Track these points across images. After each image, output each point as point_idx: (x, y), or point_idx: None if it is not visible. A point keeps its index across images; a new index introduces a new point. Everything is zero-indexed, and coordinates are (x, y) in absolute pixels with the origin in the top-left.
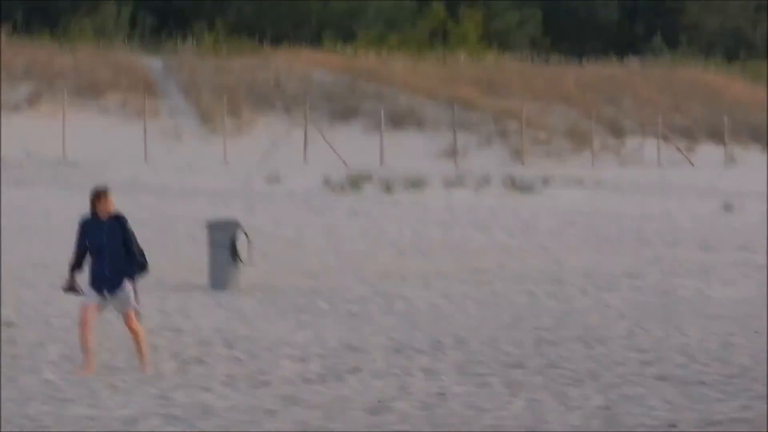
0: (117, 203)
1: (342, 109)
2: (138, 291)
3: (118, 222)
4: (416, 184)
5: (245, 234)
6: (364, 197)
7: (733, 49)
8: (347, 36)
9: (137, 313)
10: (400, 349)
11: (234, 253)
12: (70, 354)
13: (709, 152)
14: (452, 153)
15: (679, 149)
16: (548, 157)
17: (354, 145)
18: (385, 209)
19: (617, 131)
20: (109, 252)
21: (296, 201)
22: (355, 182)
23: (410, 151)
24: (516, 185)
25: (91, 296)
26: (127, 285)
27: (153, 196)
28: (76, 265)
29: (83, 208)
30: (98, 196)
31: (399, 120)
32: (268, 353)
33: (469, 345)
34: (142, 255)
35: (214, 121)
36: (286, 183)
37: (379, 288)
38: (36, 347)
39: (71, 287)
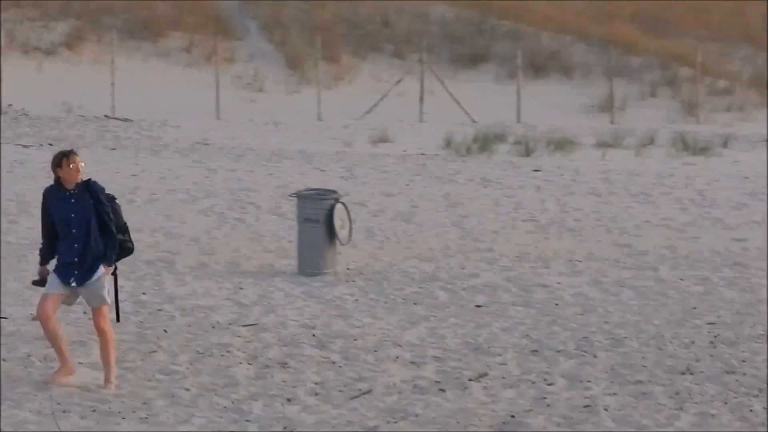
0: (180, 168)
1: (468, 52)
2: (115, 285)
3: (89, 191)
4: (562, 145)
5: (344, 207)
6: (495, 161)
7: None
8: None
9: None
10: (537, 350)
11: (330, 230)
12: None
13: None
14: (608, 107)
15: None
16: (728, 111)
17: (483, 97)
18: (522, 176)
19: None
20: (78, 230)
21: (409, 166)
22: (485, 143)
23: (554, 104)
24: (688, 146)
25: (53, 285)
26: (102, 273)
27: (226, 161)
28: (46, 251)
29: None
30: (61, 159)
31: (540, 66)
32: (371, 355)
33: (625, 345)
34: (125, 233)
35: (304, 68)
36: (396, 144)
37: (513, 273)
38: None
39: (42, 279)
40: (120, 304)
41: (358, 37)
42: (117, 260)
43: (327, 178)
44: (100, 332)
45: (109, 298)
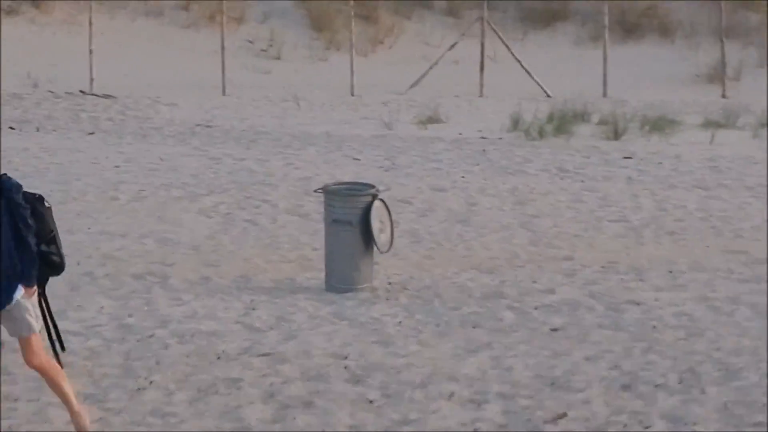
0: (176, 157)
1: (540, 10)
2: (41, 306)
3: None
4: (659, 125)
5: (384, 205)
6: (575, 146)
7: None
8: None
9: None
10: (630, 385)
11: (366, 234)
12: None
13: None
14: (717, 77)
15: None
16: None
17: (560, 65)
18: (609, 165)
19: None
20: None
21: (466, 153)
22: (562, 123)
23: (650, 74)
24: None
25: None
26: (22, 295)
27: (234, 147)
28: None
29: (119, 169)
30: None
31: (632, 26)
32: (418, 392)
33: (740, 378)
34: (50, 243)
35: (333, 30)
36: (449, 126)
37: (598, 288)
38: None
39: None
40: (94, 330)
41: None
42: (42, 278)
43: (362, 168)
44: (39, 370)
45: (38, 324)
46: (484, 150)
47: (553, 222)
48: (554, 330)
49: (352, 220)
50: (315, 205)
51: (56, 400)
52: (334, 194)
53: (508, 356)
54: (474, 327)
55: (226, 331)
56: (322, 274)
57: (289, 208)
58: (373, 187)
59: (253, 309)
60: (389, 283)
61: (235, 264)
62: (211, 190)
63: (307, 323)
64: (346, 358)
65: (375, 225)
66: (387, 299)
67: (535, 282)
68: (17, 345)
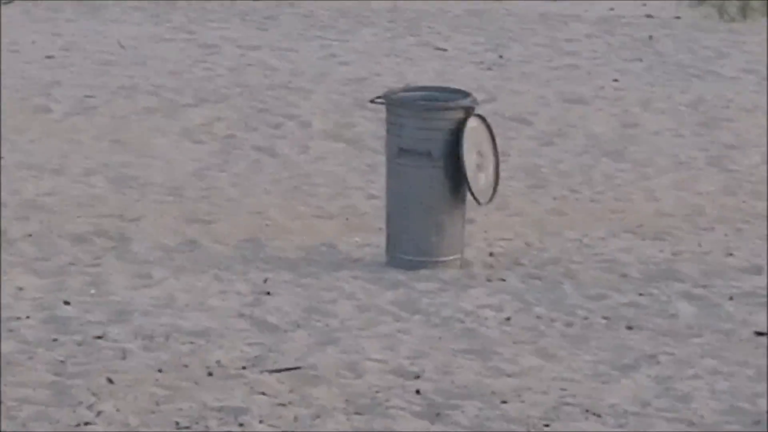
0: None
1: None
2: None
3: None
4: None
5: (485, 126)
6: None
7: None
8: None
9: None
10: None
11: (455, 174)
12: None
13: None
14: None
15: None
16: None
17: None
18: None
19: None
20: None
21: (618, 40)
22: None
23: None
24: None
25: None
26: None
27: (239, 25)
28: None
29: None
30: None
31: None
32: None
33: None
34: None
35: None
36: None
37: None
38: None
39: None
40: (6, 326)
41: None
42: None
43: (449, 65)
44: None
45: None
46: (650, 36)
47: (761, 157)
48: (760, 334)
49: (432, 149)
50: (371, 125)
51: None
52: (402, 106)
53: (685, 377)
54: (629, 327)
55: (222, 329)
56: (382, 239)
57: (328, 130)
58: (467, 95)
59: (268, 293)
60: (491, 255)
61: (240, 220)
62: (201, 99)
63: (355, 318)
64: (418, 377)
65: (470, 159)
66: (488, 280)
67: (730, 254)
68: None
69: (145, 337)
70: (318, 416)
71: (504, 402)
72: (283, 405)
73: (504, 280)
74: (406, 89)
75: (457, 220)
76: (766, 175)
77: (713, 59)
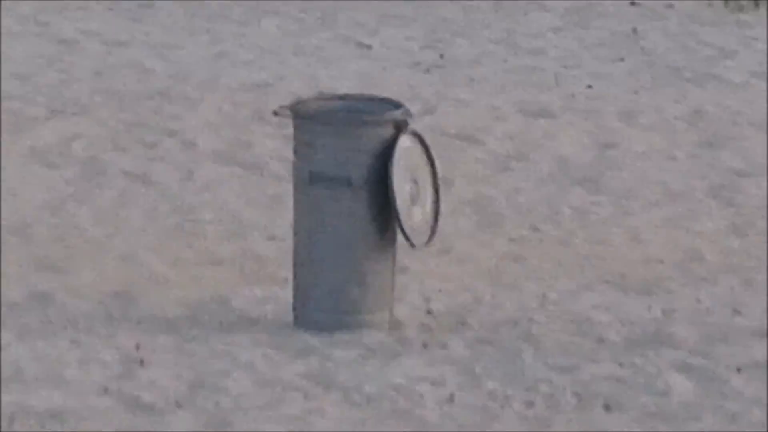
0: None
1: None
2: None
3: None
4: None
5: (422, 146)
6: None
7: None
8: None
9: None
10: None
11: (382, 207)
12: None
13: None
14: None
15: None
16: None
17: None
18: None
19: None
20: None
21: (593, 34)
22: None
23: None
24: None
25: None
26: None
27: (106, 15)
28: None
29: None
30: None
31: None
32: None
33: None
34: None
35: None
36: None
37: None
38: None
39: None
40: None
41: None
42: None
43: (376, 64)
44: None
45: None
46: (634, 30)
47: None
48: None
49: (352, 176)
50: (274, 144)
51: None
52: (315, 120)
53: None
54: (607, 408)
55: (82, 409)
56: (288, 292)
57: (219, 150)
58: (398, 105)
59: (141, 363)
60: (429, 313)
61: (105, 267)
62: (53, 110)
63: (254, 396)
64: None
65: (402, 189)
66: (425, 346)
67: (738, 313)
68: None
69: None
70: None
71: None
72: None
73: (446, 346)
74: (320, 98)
75: (384, 268)
76: None
77: (715, 60)
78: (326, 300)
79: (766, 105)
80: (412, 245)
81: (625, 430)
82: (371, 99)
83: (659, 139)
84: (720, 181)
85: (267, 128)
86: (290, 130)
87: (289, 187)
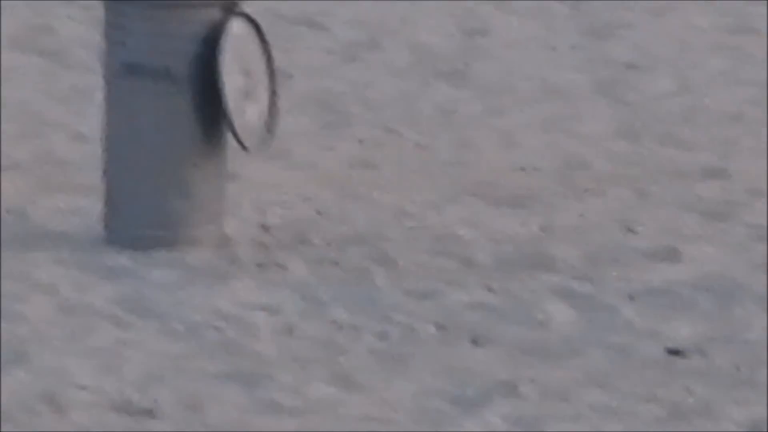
0: None
1: None
2: None
3: None
4: None
5: (255, 31)
6: None
7: None
8: None
9: None
10: None
11: (208, 104)
12: None
13: None
14: None
15: None
16: None
17: None
18: None
19: None
20: None
21: None
22: None
23: None
24: None
25: None
26: None
27: None
28: None
29: None
30: None
31: None
32: None
33: None
34: None
35: None
36: None
37: None
38: None
39: None
40: None
41: None
42: None
43: None
44: None
45: None
46: None
47: (672, 81)
48: (673, 353)
49: (172, 67)
50: (80, 29)
51: None
52: (127, 0)
53: (557, 417)
54: (474, 342)
55: None
56: (97, 203)
57: (15, 36)
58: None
59: None
60: (264, 229)
61: None
62: None
63: (56, 324)
64: (152, 416)
65: (232, 82)
66: (259, 267)
67: (630, 230)
68: None
69: None
70: None
71: None
72: None
73: (284, 267)
74: None
75: (211, 176)
76: (680, 110)
77: None
78: (142, 212)
79: None
80: (245, 148)
81: (496, 367)
82: None
83: (536, 26)
84: (607, 75)
85: (71, 9)
86: (99, 12)
87: (98, 80)
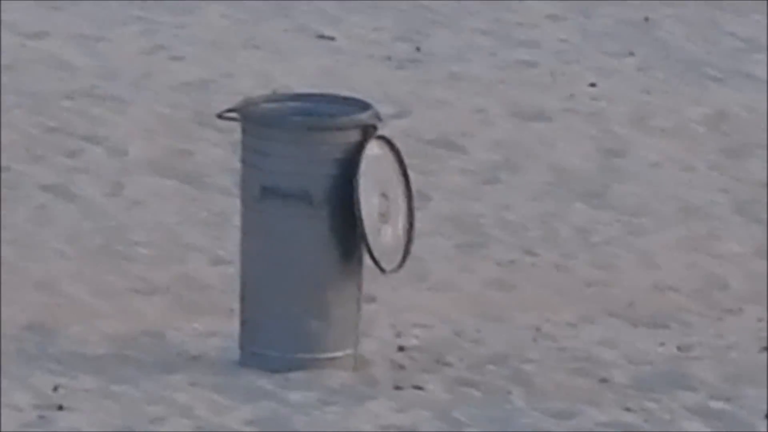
0: None
1: None
2: None
3: None
4: None
5: (394, 154)
6: None
7: None
8: None
9: None
10: None
11: (346, 226)
12: None
13: None
14: None
15: None
16: None
17: None
18: None
19: None
20: None
21: (597, 24)
22: None
23: None
24: None
25: None
26: None
27: None
28: None
29: None
30: None
31: None
32: None
33: None
34: None
35: None
36: None
37: None
38: None
39: None
40: None
41: None
42: None
43: (340, 59)
44: None
45: None
46: (646, 18)
47: None
48: None
49: (311, 190)
50: (219, 153)
51: None
52: (267, 124)
53: None
54: None
55: None
56: (235, 326)
57: (153, 159)
58: (366, 106)
59: (60, 408)
60: (402, 350)
61: (19, 296)
62: None
63: None
64: None
65: (370, 205)
66: (397, 389)
67: (766, 349)
68: None
69: None
70: None
71: None
72: None
73: (421, 388)
74: (273, 98)
75: (349, 298)
76: None
77: (741, 53)
78: (280, 335)
79: None
80: (382, 270)
81: None
82: (333, 99)
83: (675, 147)
84: (746, 195)
85: (210, 134)
86: (238, 136)
87: (237, 203)
